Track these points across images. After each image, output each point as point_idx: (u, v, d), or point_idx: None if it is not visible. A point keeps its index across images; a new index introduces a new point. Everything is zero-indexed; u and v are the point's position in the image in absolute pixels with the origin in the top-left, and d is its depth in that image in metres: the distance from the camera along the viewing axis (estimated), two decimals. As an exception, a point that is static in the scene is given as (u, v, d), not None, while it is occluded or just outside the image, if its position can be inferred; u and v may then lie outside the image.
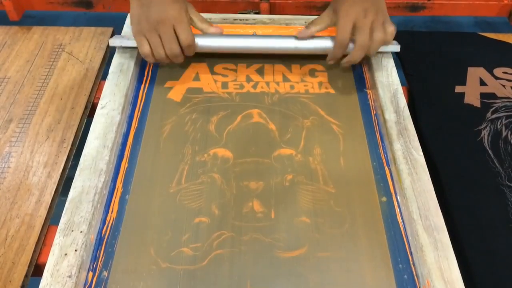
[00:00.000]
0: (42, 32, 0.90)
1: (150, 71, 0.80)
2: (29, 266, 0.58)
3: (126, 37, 0.78)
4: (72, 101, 0.77)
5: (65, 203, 0.59)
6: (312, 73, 0.81)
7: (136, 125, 0.71)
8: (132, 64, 0.77)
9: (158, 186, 0.64)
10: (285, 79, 0.79)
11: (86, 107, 0.77)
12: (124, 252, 0.57)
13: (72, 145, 0.71)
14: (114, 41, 0.78)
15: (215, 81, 0.79)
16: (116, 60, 0.78)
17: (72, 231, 0.56)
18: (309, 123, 0.72)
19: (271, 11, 0.94)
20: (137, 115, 0.73)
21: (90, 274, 0.55)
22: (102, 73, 0.84)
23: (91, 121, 0.77)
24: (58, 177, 0.66)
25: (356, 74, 0.82)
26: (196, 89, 0.77)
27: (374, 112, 0.75)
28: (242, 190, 0.64)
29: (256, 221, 0.60)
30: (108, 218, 0.60)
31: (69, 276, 0.53)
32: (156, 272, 0.56)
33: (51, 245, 0.60)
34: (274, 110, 0.74)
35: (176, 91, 0.77)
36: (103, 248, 0.57)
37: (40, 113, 0.75)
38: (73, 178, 0.62)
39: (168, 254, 0.57)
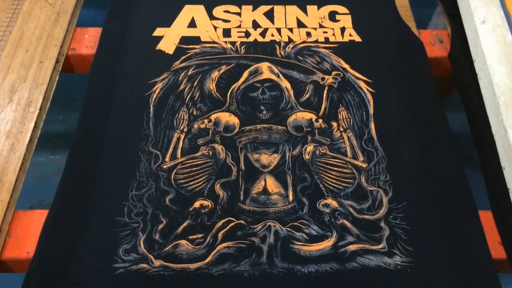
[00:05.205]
0: (3, -32, 0.77)
1: None
2: (-10, 264, 0.50)
3: None
4: (40, 54, 0.67)
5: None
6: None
7: None
8: None
9: None
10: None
11: (57, 61, 0.67)
12: None
13: (40, 109, 0.61)
14: None
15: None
16: None
17: None
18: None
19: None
20: None
21: None
22: (77, 18, 0.75)
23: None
24: (24, 150, 0.57)
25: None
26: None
27: None
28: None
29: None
30: None
31: None
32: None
33: (17, 236, 0.52)
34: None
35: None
36: None
37: (1, 69, 0.66)
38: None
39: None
